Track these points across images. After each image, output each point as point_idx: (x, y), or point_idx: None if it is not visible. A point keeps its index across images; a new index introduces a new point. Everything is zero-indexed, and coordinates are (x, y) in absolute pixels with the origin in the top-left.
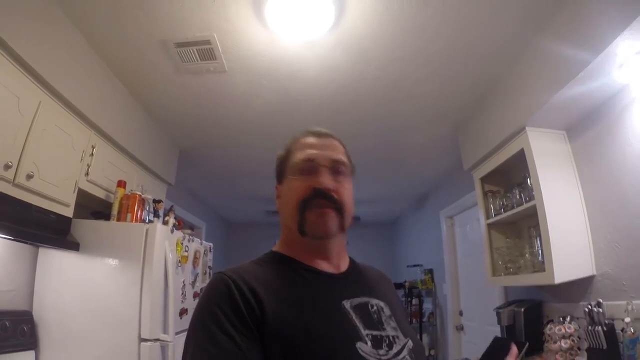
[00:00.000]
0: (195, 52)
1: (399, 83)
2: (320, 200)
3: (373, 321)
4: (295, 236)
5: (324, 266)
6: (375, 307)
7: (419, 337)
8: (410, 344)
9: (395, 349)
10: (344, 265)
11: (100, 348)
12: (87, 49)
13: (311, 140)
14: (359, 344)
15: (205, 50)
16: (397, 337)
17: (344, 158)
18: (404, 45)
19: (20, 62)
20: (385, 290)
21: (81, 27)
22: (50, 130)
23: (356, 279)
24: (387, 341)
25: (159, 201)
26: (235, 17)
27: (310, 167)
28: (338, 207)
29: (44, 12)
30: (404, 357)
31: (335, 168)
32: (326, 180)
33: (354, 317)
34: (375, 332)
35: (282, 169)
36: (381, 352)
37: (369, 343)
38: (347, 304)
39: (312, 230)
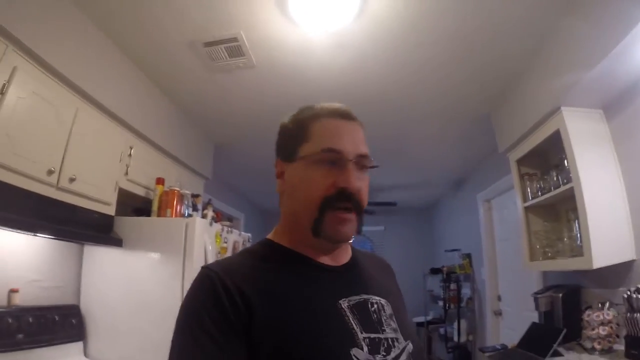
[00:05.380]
0: (224, 50)
1: (427, 67)
2: (344, 203)
3: (372, 322)
4: (303, 231)
5: (324, 259)
6: (375, 306)
7: (427, 328)
8: (410, 347)
9: (393, 354)
10: (345, 257)
11: (144, 339)
12: (119, 56)
13: (337, 123)
14: (354, 351)
15: (234, 48)
16: (397, 339)
17: (367, 150)
18: (431, 28)
19: (55, 73)
20: (388, 284)
21: (112, 35)
22: (88, 135)
23: (357, 273)
24: (385, 345)
25: (197, 195)
26: (259, 12)
27: (335, 159)
28: (359, 210)
29: (74, 23)
30: None
31: (361, 163)
32: (355, 181)
33: (350, 319)
34: (373, 335)
35: (293, 146)
36: (378, 357)
37: (365, 348)
38: (344, 304)
39: (330, 234)
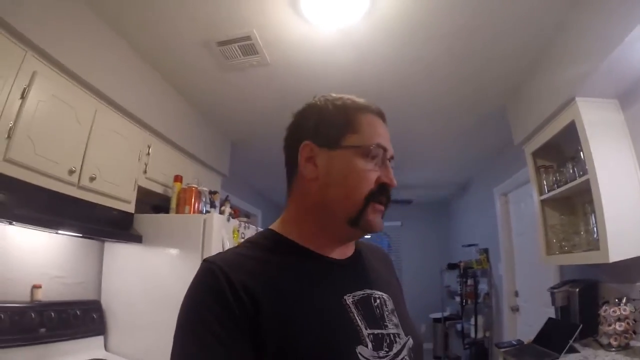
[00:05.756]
0: (237, 48)
1: (438, 62)
2: (382, 197)
3: (375, 318)
4: (330, 219)
5: (333, 253)
6: (378, 301)
7: (433, 323)
8: (410, 342)
9: (395, 349)
10: (351, 249)
11: (163, 333)
12: (134, 57)
13: (379, 122)
14: (359, 348)
15: (247, 46)
16: (398, 334)
17: None
18: (441, 23)
19: (73, 76)
20: (388, 276)
21: (126, 36)
22: (107, 135)
23: (361, 266)
24: (387, 340)
25: (215, 192)
26: (272, 11)
27: (379, 155)
28: (387, 205)
29: (89, 26)
30: (403, 357)
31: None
32: (394, 178)
33: (355, 315)
34: (377, 331)
35: (335, 133)
36: (381, 353)
37: (370, 345)
38: (349, 299)
39: (367, 226)
